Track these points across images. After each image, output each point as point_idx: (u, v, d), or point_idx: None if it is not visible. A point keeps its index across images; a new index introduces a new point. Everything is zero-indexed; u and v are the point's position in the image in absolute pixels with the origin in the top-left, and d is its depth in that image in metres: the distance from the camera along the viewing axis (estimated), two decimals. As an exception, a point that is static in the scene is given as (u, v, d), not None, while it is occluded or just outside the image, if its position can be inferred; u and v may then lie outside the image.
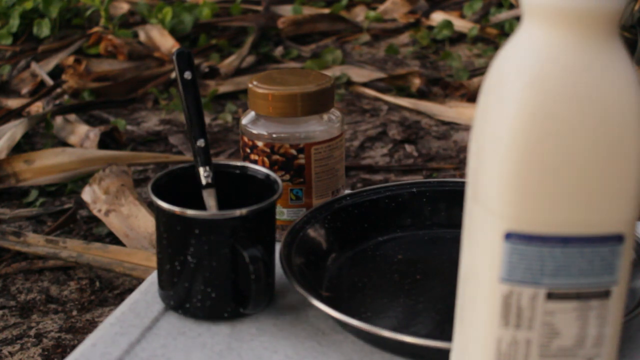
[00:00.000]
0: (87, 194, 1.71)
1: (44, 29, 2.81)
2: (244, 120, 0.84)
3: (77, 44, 2.73)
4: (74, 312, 1.47)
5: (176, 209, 0.69)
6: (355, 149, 2.13)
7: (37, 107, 2.33)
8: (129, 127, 2.26)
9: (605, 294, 0.49)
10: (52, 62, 2.64)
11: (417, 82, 2.49)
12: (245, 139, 0.83)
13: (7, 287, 1.55)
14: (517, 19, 2.92)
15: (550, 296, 0.49)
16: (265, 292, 0.70)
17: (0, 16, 2.86)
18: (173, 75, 2.53)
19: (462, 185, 0.84)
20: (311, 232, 0.79)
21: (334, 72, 2.58)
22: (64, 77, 2.49)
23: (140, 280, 1.51)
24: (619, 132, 0.46)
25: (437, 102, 2.39)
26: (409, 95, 2.47)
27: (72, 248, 1.56)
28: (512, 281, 0.49)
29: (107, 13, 2.84)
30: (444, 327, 0.68)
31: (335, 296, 0.74)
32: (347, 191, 0.85)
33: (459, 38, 2.97)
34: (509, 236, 0.48)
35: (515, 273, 0.48)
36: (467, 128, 2.24)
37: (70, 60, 2.56)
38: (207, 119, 2.32)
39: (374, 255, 0.80)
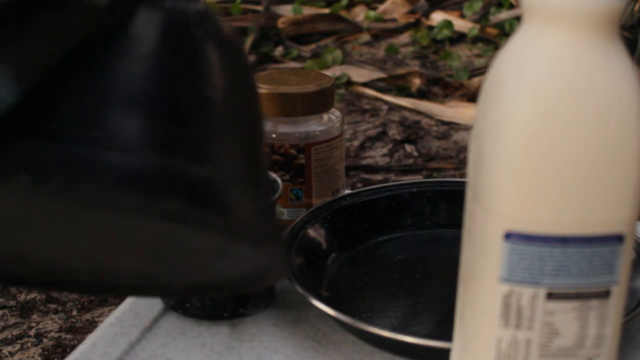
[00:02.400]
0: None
1: (44, 29, 2.80)
2: (244, 120, 0.84)
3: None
4: (74, 312, 1.47)
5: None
6: (355, 149, 2.13)
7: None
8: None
9: (605, 294, 0.49)
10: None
11: (417, 82, 2.49)
12: (245, 139, 0.83)
13: (7, 287, 1.55)
14: (517, 19, 2.92)
15: (550, 296, 0.49)
16: (265, 292, 0.70)
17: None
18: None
19: (462, 185, 0.84)
20: (311, 232, 0.79)
21: (334, 72, 2.58)
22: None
23: (140, 280, 1.51)
24: (619, 132, 0.46)
25: (437, 102, 2.39)
26: (409, 95, 2.47)
27: (72, 248, 1.56)
28: (512, 281, 0.49)
29: (107, 13, 2.84)
30: (444, 327, 0.68)
31: (335, 296, 0.74)
32: (347, 191, 0.85)
33: (459, 38, 2.97)
34: (509, 236, 0.48)
35: (515, 273, 0.48)
36: (467, 128, 2.24)
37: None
38: (207, 119, 2.31)
39: (374, 255, 0.80)
